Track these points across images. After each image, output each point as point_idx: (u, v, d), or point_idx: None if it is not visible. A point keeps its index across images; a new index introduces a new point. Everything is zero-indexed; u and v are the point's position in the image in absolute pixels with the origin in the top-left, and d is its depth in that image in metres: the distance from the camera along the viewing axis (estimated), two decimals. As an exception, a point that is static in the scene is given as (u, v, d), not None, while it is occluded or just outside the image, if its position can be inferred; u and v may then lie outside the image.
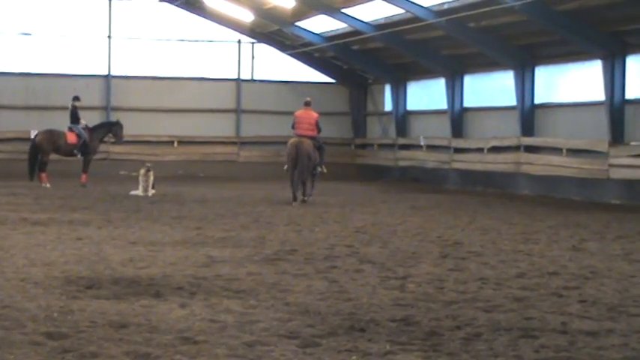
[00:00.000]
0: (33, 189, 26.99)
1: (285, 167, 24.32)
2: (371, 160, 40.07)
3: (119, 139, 30.65)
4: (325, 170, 24.89)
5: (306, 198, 24.00)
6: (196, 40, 40.05)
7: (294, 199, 23.64)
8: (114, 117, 35.33)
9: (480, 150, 32.19)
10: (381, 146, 39.63)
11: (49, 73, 38.15)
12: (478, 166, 32.11)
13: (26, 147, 30.52)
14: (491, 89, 32.80)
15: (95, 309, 8.74)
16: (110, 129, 30.34)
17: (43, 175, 28.64)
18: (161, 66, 39.77)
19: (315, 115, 24.49)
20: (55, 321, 8.20)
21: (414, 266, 12.14)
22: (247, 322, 8.31)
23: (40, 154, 28.83)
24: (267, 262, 12.31)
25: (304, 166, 23.62)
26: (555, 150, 28.40)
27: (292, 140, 24.24)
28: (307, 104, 24.62)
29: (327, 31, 36.58)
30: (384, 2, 29.98)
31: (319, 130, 24.53)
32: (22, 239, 14.37)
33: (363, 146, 41.13)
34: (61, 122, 30.73)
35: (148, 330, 7.92)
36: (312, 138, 24.17)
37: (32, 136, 30.59)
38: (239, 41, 40.38)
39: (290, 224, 17.76)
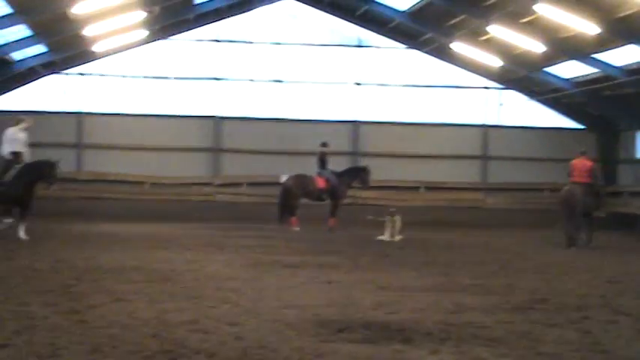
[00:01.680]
0: (283, 232, 27.67)
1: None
2: (622, 209, 38.86)
3: (365, 185, 31.07)
4: (603, 215, 25.61)
5: (580, 243, 24.46)
6: (443, 86, 40.18)
7: (569, 244, 24.07)
8: (361, 162, 35.87)
9: None
10: (634, 194, 38.42)
11: (298, 118, 39.16)
12: None
13: (276, 191, 31.37)
14: None
15: (347, 352, 8.82)
16: (358, 174, 30.76)
17: (293, 218, 29.33)
18: (409, 112, 40.10)
19: (589, 163, 25.26)
20: (310, 363, 8.34)
21: (672, 319, 11.64)
22: (499, 372, 8.20)
23: (290, 198, 29.53)
24: (517, 310, 12.09)
25: (573, 212, 24.30)
26: None
27: (565, 187, 25.06)
28: (582, 153, 25.64)
29: (577, 77, 35.93)
30: (638, 47, 29.20)
31: (595, 178, 25.18)
32: (274, 281, 14.70)
33: (614, 194, 39.95)
34: (309, 167, 31.43)
35: (399, 375, 7.93)
36: (587, 185, 24.77)
37: (282, 181, 31.37)
38: (486, 87, 40.25)
39: (539, 272, 17.42)
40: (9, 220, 23.44)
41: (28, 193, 22.58)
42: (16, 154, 22.84)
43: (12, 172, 22.52)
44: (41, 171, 22.73)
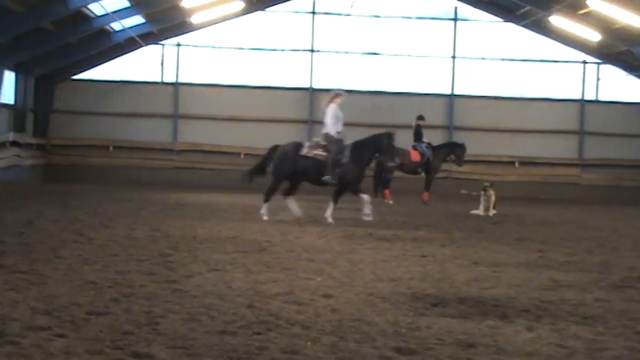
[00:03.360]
0: (377, 205, 27.59)
1: None
2: None
3: (460, 162, 30.73)
4: None
5: None
6: (540, 60, 39.72)
7: None
8: (456, 137, 35.70)
9: None
10: None
11: (393, 91, 39.07)
12: None
13: (371, 164, 31.34)
14: None
15: (442, 327, 8.79)
16: (453, 150, 30.52)
17: (387, 191, 29.31)
18: (504, 86, 39.76)
19: None
20: (404, 337, 8.32)
21: None
22: (596, 350, 8.08)
23: (384, 171, 29.48)
24: (613, 288, 11.90)
25: None
26: None
27: None
28: None
29: (679, 51, 35.25)
30: None
31: None
32: (368, 254, 14.72)
33: None
34: (404, 140, 31.33)
35: (495, 351, 7.86)
36: None
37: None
38: (584, 62, 39.65)
39: (636, 250, 17.15)
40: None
41: (362, 172, 21.17)
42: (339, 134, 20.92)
43: (346, 152, 20.64)
44: (379, 145, 21.09)
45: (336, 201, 21.11)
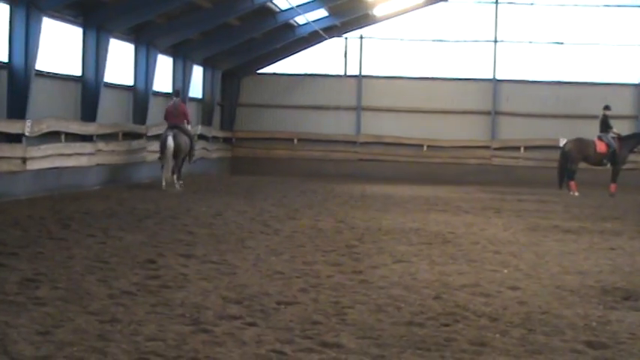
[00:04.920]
0: (561, 197, 27.21)
1: None
2: None
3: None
4: None
5: None
6: None
7: None
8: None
9: None
10: None
11: (578, 81, 38.21)
12: None
13: (555, 155, 30.90)
14: None
15: (634, 321, 8.60)
16: (640, 140, 29.68)
17: (572, 183, 28.77)
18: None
19: None
20: (594, 330, 8.19)
21: None
22: None
23: (569, 162, 28.98)
24: None
25: None
26: None
27: None
28: None
29: None
30: None
31: None
32: (554, 246, 14.52)
33: None
34: (589, 131, 30.70)
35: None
36: None
37: (561, 145, 30.77)
38: None
39: None
40: None
41: None
42: None
43: None
44: None
45: None
